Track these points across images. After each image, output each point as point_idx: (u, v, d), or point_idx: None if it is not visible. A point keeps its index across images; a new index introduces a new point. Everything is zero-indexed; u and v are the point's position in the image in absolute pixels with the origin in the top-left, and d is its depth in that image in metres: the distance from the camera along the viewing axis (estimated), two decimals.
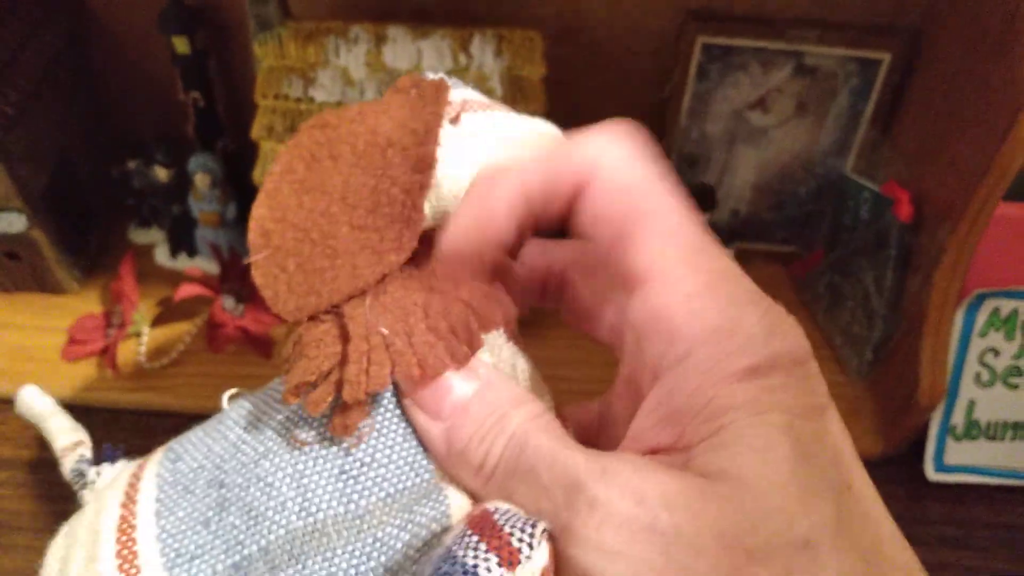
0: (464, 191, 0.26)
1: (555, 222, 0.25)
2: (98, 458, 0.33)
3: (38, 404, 0.37)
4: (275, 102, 0.54)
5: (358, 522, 0.25)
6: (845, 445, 0.22)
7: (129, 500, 0.28)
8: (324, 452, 0.26)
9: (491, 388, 0.25)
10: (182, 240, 0.68)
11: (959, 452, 0.59)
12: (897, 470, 0.59)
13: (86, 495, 0.32)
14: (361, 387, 0.24)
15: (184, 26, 0.59)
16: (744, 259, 0.71)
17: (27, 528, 0.53)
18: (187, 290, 0.61)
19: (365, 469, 0.26)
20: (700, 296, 0.22)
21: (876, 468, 0.63)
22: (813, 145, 0.66)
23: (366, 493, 0.25)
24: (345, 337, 0.25)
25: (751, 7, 0.60)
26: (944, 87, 0.57)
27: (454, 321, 0.25)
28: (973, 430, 0.59)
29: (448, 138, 0.26)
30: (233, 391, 0.34)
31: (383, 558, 0.25)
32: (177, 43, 0.60)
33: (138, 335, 0.62)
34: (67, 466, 0.34)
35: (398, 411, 0.26)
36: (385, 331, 0.25)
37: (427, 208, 0.26)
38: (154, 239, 0.70)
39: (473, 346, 0.25)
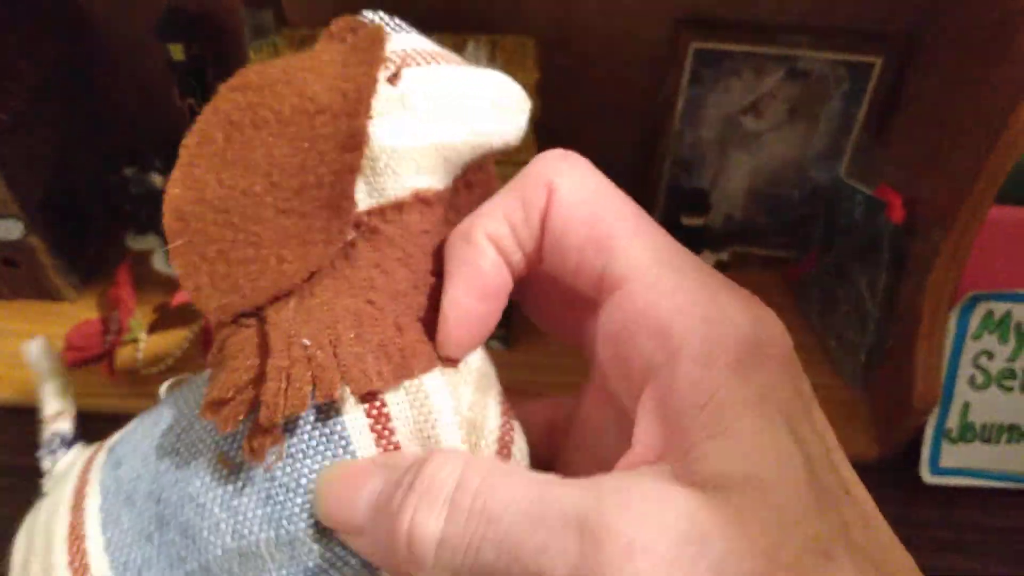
0: (406, 163, 0.24)
1: (537, 250, 0.24)
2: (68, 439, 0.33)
3: (42, 362, 0.36)
4: None
5: (289, 548, 0.24)
6: (835, 443, 0.22)
7: (78, 506, 0.27)
8: (251, 474, 0.24)
9: (394, 465, 0.22)
10: None
11: (954, 455, 0.59)
12: (892, 473, 0.59)
13: (45, 482, 0.32)
14: (278, 410, 0.22)
15: (181, 33, 0.60)
16: (738, 263, 0.72)
17: None
18: (184, 296, 0.61)
19: (291, 495, 0.24)
20: (681, 291, 0.22)
21: (871, 471, 0.64)
22: (806, 149, 0.67)
23: (294, 519, 0.24)
24: (265, 349, 0.23)
25: (743, 12, 0.61)
26: (936, 91, 0.57)
27: (386, 339, 0.23)
28: (968, 433, 0.59)
29: (385, 103, 0.24)
30: (171, 381, 0.34)
31: None
32: (174, 50, 0.60)
33: (135, 341, 0.62)
34: (43, 437, 0.34)
35: (325, 430, 0.24)
36: (307, 342, 0.22)
37: (361, 185, 0.24)
38: (151, 245, 0.70)
39: (406, 367, 0.23)
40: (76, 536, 0.27)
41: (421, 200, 0.25)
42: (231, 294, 0.23)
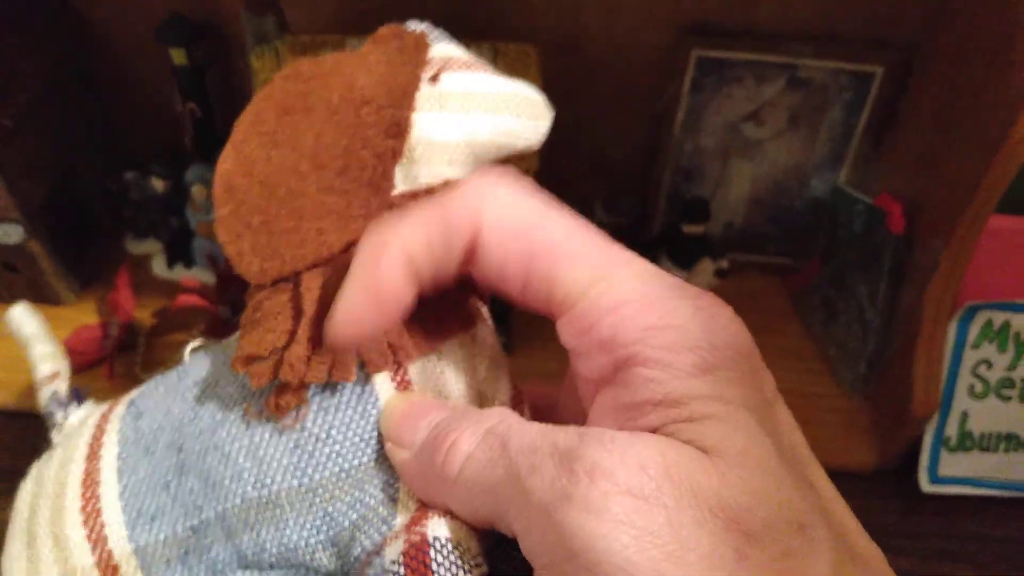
0: (439, 155, 0.26)
1: (455, 275, 0.24)
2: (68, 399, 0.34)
3: (26, 326, 0.37)
4: None
5: (310, 495, 0.25)
6: (802, 440, 0.22)
7: (93, 454, 0.29)
8: (279, 425, 0.26)
9: (462, 408, 0.25)
10: (179, 251, 0.68)
11: (953, 464, 0.59)
12: (891, 482, 0.59)
13: (54, 435, 0.33)
14: (298, 374, 0.24)
15: (183, 38, 0.60)
16: (739, 271, 0.72)
17: None
18: (184, 301, 0.61)
19: (319, 444, 0.25)
20: (627, 303, 0.22)
21: (870, 480, 0.64)
22: (807, 158, 0.67)
23: (319, 468, 0.25)
24: (299, 312, 0.24)
25: (745, 21, 0.61)
26: (936, 100, 0.57)
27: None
28: (967, 442, 0.59)
29: (425, 100, 0.26)
30: (196, 343, 0.35)
31: (331, 532, 0.25)
32: (175, 55, 0.60)
33: (135, 346, 0.62)
34: (42, 398, 0.35)
35: (357, 388, 0.26)
36: None
37: (399, 174, 0.26)
38: (151, 250, 0.70)
39: (427, 344, 0.26)
40: (91, 482, 0.28)
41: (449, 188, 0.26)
42: (271, 259, 0.25)
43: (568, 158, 0.69)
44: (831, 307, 0.65)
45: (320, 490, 0.25)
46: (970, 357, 0.58)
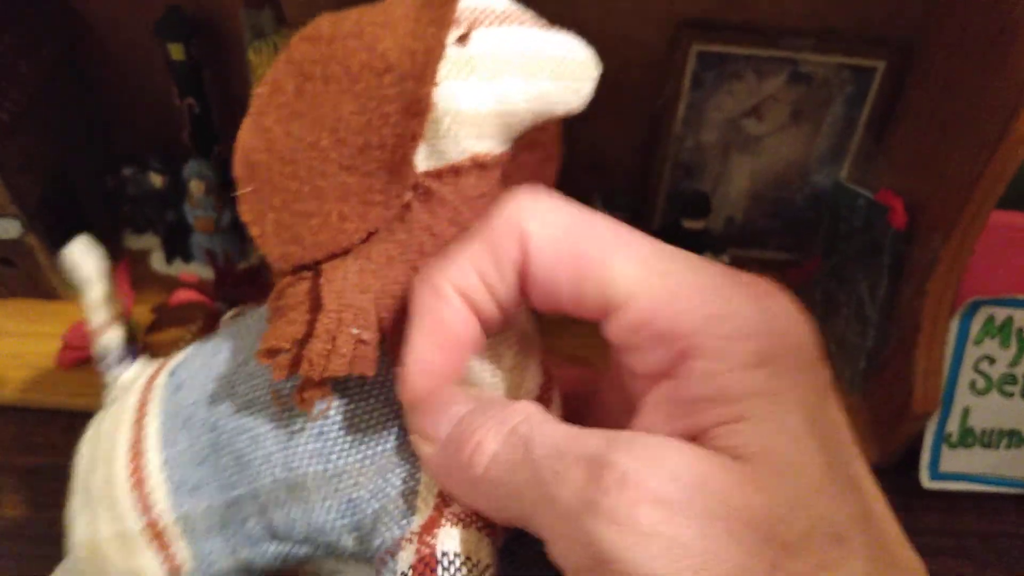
0: (468, 128, 0.24)
1: (518, 299, 0.24)
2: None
3: (83, 267, 0.36)
4: None
5: (335, 480, 0.26)
6: (850, 437, 0.22)
7: (139, 421, 0.29)
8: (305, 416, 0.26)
9: (487, 401, 0.24)
10: (177, 246, 0.68)
11: (954, 460, 0.59)
12: (892, 478, 0.59)
13: (107, 391, 0.34)
14: (318, 369, 0.24)
15: (180, 33, 0.59)
16: (739, 267, 0.72)
17: (21, 536, 0.53)
18: (182, 296, 0.61)
19: (343, 431, 0.26)
20: (681, 297, 0.21)
21: None
22: (808, 153, 0.66)
23: (343, 454, 0.26)
24: (317, 305, 0.24)
25: (746, 15, 0.61)
26: (938, 95, 0.57)
27: None
28: (968, 438, 0.59)
29: (452, 65, 0.24)
30: (232, 312, 0.35)
31: (355, 518, 0.26)
32: (173, 50, 0.60)
33: (133, 341, 0.62)
34: (95, 349, 0.35)
35: (379, 378, 0.25)
36: (356, 331, 0.24)
37: (422, 150, 0.24)
38: (149, 245, 0.70)
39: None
40: (136, 451, 0.29)
41: (479, 165, 0.24)
42: (292, 244, 0.24)
43: (567, 153, 0.69)
44: (832, 303, 0.64)
45: (344, 476, 0.26)
46: (972, 353, 0.58)
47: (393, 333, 0.25)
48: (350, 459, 0.26)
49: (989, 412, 0.59)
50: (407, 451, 0.25)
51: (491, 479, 0.22)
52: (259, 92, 0.24)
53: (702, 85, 0.63)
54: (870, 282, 0.60)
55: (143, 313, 0.64)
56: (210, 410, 0.28)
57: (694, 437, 0.20)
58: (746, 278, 0.22)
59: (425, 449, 0.24)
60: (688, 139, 0.66)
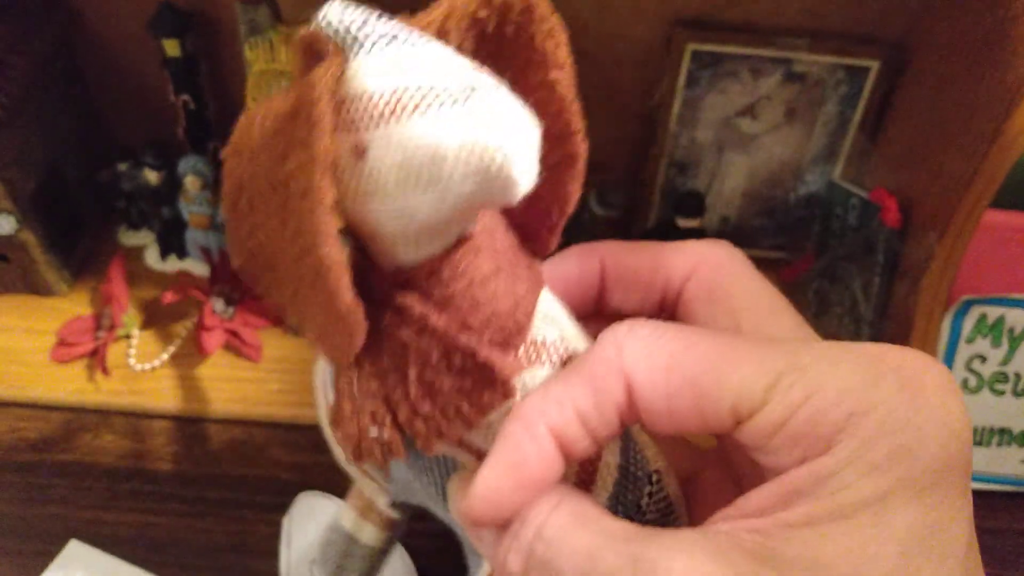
0: (400, 246, 0.22)
1: (617, 431, 0.23)
2: None
3: None
4: None
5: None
6: (970, 559, 0.20)
7: None
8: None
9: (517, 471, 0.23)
10: (172, 242, 0.68)
11: None
12: None
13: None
14: (376, 457, 0.24)
15: (175, 29, 0.59)
16: None
17: (14, 531, 0.53)
18: (177, 292, 0.61)
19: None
20: (822, 394, 0.20)
21: None
22: (802, 152, 0.67)
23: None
24: (359, 394, 0.24)
25: (741, 15, 0.61)
26: (931, 95, 0.57)
27: (446, 394, 0.23)
28: None
29: (361, 181, 0.20)
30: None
31: None
32: (168, 46, 0.60)
33: (128, 337, 0.62)
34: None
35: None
36: (374, 432, 0.24)
37: (400, 251, 0.22)
38: (144, 241, 0.70)
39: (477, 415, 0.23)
40: None
41: (435, 267, 0.22)
42: (312, 340, 0.23)
43: None
44: (825, 301, 0.65)
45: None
46: (964, 351, 0.58)
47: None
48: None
49: (981, 410, 0.59)
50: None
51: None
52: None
53: (697, 84, 0.63)
54: (864, 280, 0.60)
55: (138, 309, 0.64)
56: None
57: (776, 527, 0.20)
58: (893, 359, 0.21)
59: (478, 534, 0.25)
60: (683, 137, 0.66)
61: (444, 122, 0.19)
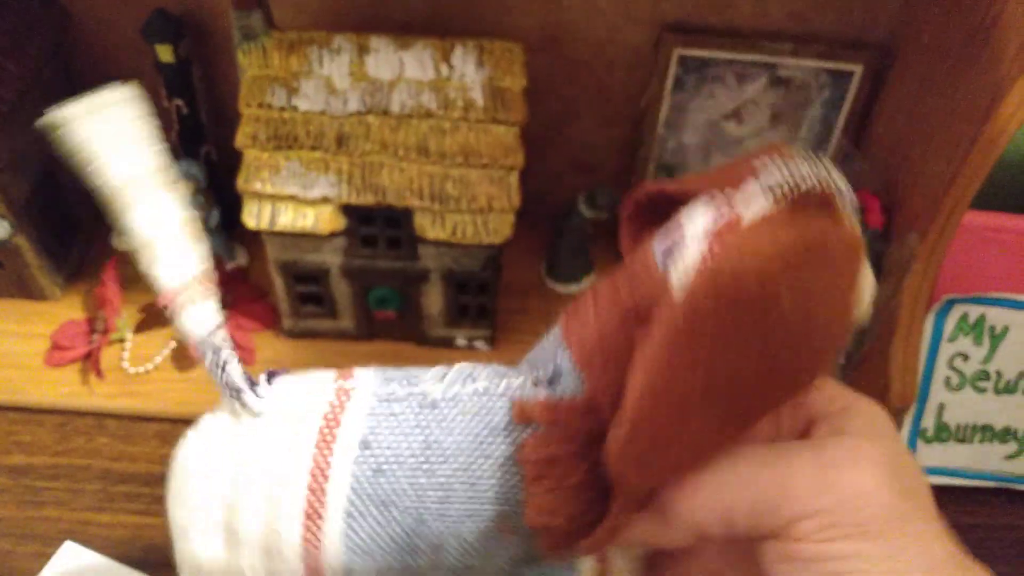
0: None
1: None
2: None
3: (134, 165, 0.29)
4: (259, 111, 0.54)
5: None
6: None
7: (318, 487, 0.27)
8: (529, 544, 0.28)
9: None
10: None
11: (930, 454, 0.60)
12: None
13: (254, 406, 0.30)
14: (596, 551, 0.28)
15: (168, 35, 0.60)
16: None
17: (9, 534, 0.53)
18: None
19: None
20: None
21: None
22: None
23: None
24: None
25: (726, 20, 0.62)
26: (913, 98, 0.58)
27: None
28: (943, 433, 0.60)
29: None
30: (446, 375, 0.30)
31: None
32: (161, 51, 0.60)
33: (121, 341, 0.62)
34: (210, 358, 0.30)
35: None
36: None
37: None
38: None
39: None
40: (314, 517, 0.27)
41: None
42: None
43: (551, 154, 0.70)
44: None
45: None
46: (946, 350, 0.59)
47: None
48: None
49: (963, 408, 0.60)
50: None
51: None
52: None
53: (684, 88, 0.64)
54: None
55: (131, 313, 0.64)
56: (418, 502, 0.27)
57: None
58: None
59: None
60: (670, 141, 0.67)
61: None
